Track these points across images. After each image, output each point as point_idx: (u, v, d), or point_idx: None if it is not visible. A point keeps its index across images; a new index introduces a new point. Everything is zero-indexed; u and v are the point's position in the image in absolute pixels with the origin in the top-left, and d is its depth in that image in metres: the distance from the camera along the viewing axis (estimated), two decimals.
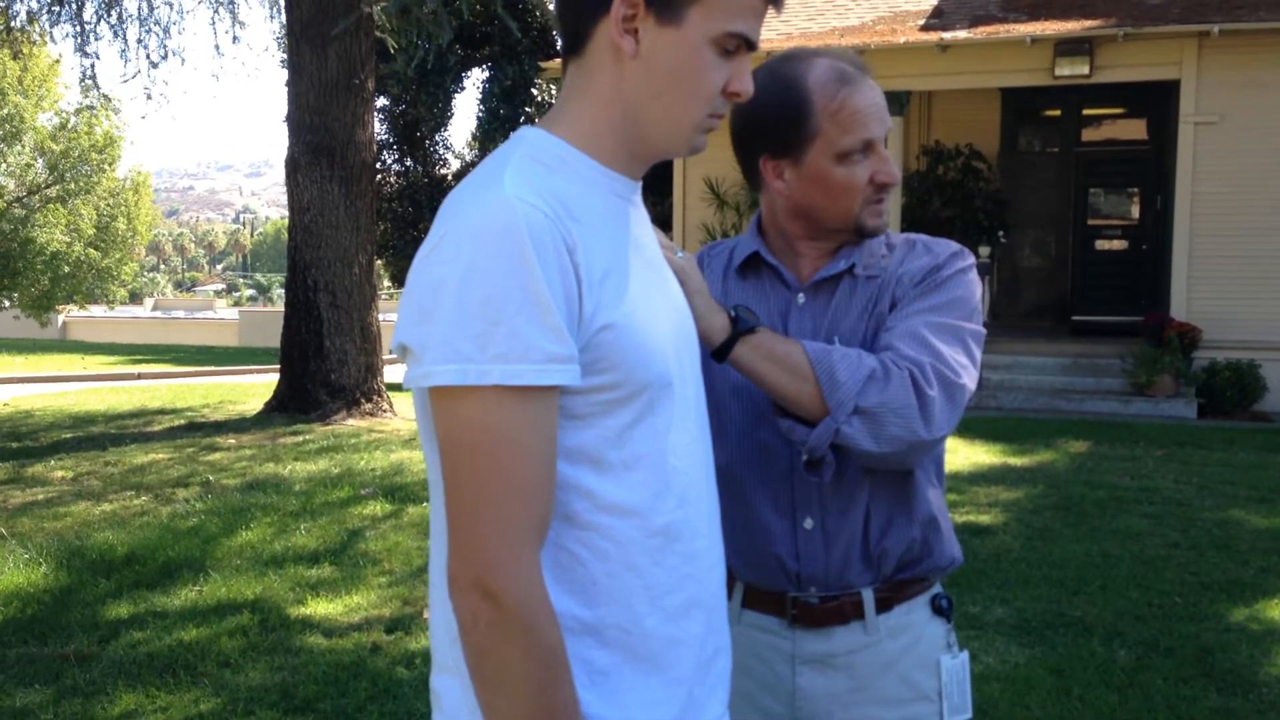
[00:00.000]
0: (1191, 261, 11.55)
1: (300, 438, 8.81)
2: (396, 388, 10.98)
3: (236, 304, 63.47)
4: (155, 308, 50.69)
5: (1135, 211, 13.92)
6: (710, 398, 1.51)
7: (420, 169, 20.83)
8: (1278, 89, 11.27)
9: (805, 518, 1.60)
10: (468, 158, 21.94)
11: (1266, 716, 3.57)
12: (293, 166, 9.99)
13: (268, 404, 10.30)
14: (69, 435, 9.34)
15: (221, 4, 13.32)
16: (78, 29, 12.69)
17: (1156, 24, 11.34)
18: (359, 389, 10.02)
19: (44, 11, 12.59)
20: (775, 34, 12.87)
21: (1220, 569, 5.15)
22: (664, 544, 1.20)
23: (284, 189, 10.47)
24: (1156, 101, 12.83)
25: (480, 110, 20.00)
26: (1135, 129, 13.94)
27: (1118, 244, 13.99)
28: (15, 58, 19.78)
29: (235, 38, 14.80)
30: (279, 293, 62.73)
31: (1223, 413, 10.91)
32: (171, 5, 21.13)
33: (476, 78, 21.05)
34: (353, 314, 9.97)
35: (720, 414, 1.59)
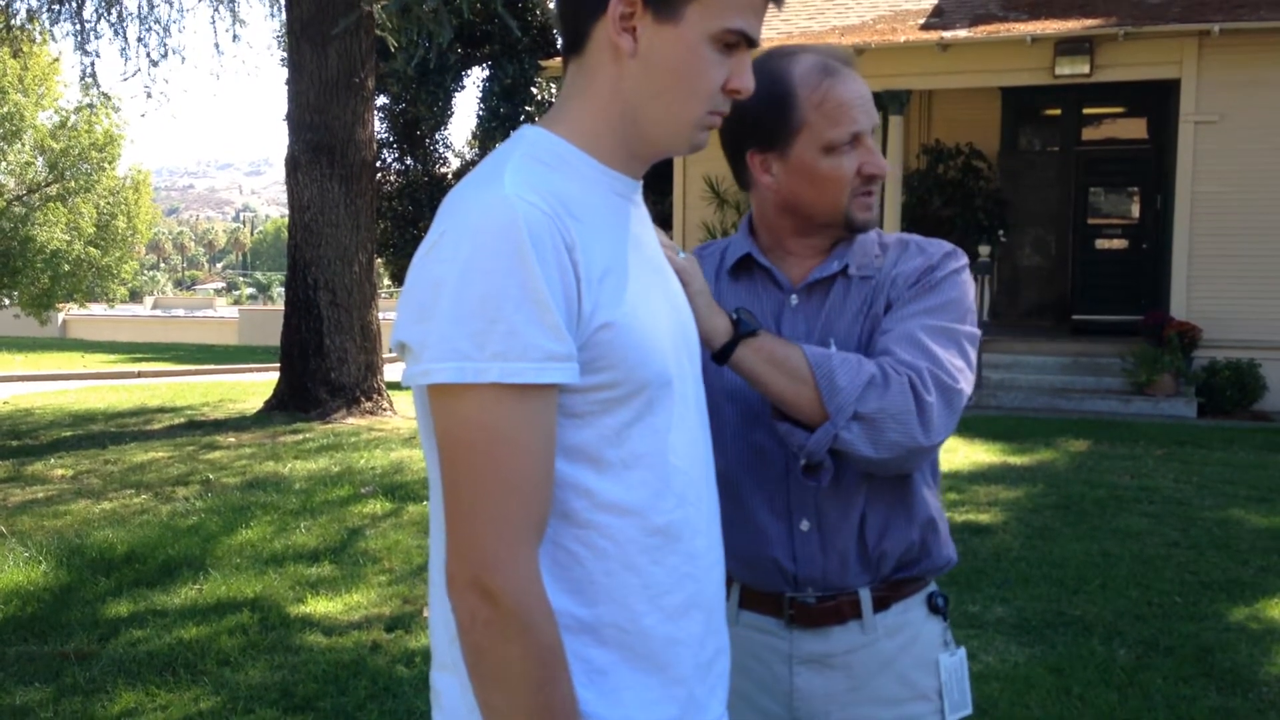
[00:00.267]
0: (1191, 261, 11.55)
1: (300, 436, 8.81)
2: (397, 386, 10.98)
3: (236, 302, 63.48)
4: (155, 306, 50.69)
5: (1135, 211, 13.91)
6: (706, 400, 1.51)
7: (420, 167, 20.83)
8: (1278, 88, 11.27)
9: (801, 520, 1.60)
10: (468, 156, 21.93)
11: (1266, 716, 3.57)
12: (293, 165, 9.99)
13: (268, 402, 10.30)
14: (69, 433, 9.34)
15: (221, 2, 13.32)
16: (78, 27, 12.69)
17: (1157, 23, 11.34)
18: (359, 387, 10.02)
19: (44, 10, 12.59)
20: (775, 32, 12.86)
21: (1220, 568, 5.16)
22: (663, 543, 1.20)
23: (284, 187, 10.47)
24: (1157, 101, 12.83)
25: (480, 109, 20.00)
26: (1135, 128, 13.93)
27: (1118, 243, 13.98)
28: (15, 56, 19.77)
29: (235, 36, 14.81)
30: (279, 291, 62.75)
31: (1222, 412, 10.91)
32: (171, 3, 21.13)
33: (477, 76, 21.08)
34: (353, 312, 9.97)
35: (716, 416, 1.58)
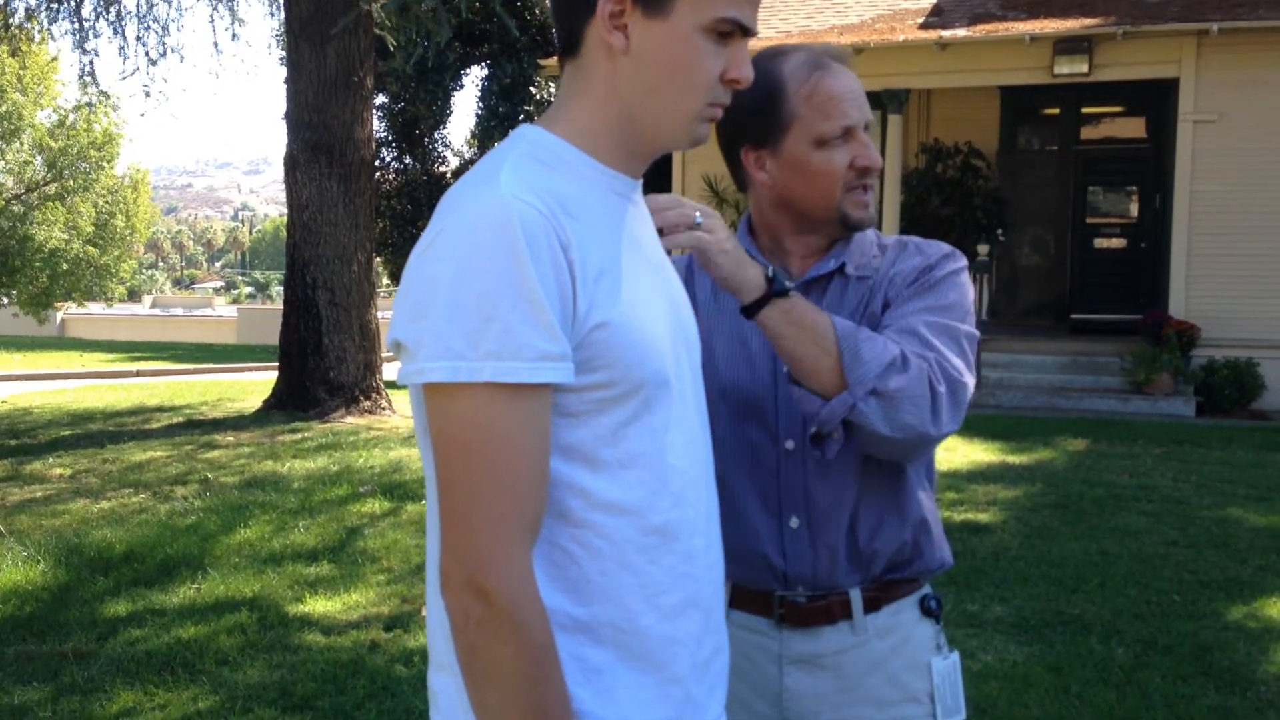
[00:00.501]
0: (1190, 260, 11.56)
1: (299, 435, 8.81)
2: (395, 385, 10.97)
3: (235, 301, 63.43)
4: (154, 305, 50.63)
5: (1134, 210, 13.92)
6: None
7: (419, 166, 20.82)
8: (1277, 88, 11.27)
9: (791, 517, 1.59)
10: (467, 155, 21.93)
11: (1264, 714, 3.57)
12: (291, 164, 9.98)
13: (266, 401, 10.30)
14: (67, 433, 9.34)
15: (220, 1, 13.31)
16: (76, 26, 12.69)
17: (1155, 22, 11.34)
18: (358, 386, 10.02)
19: (43, 8, 12.58)
20: (774, 31, 12.87)
21: (1218, 567, 5.16)
22: (660, 542, 1.20)
23: (283, 186, 10.46)
24: (1155, 100, 12.83)
25: (479, 108, 19.99)
26: (1134, 127, 13.93)
27: (1116, 242, 13.99)
28: (14, 54, 19.75)
29: (234, 35, 14.80)
30: (277, 290, 62.69)
31: (1221, 411, 10.91)
32: (170, 2, 21.09)
33: (475, 75, 21.08)
34: (351, 311, 9.97)
35: (708, 411, 1.59)
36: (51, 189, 23.53)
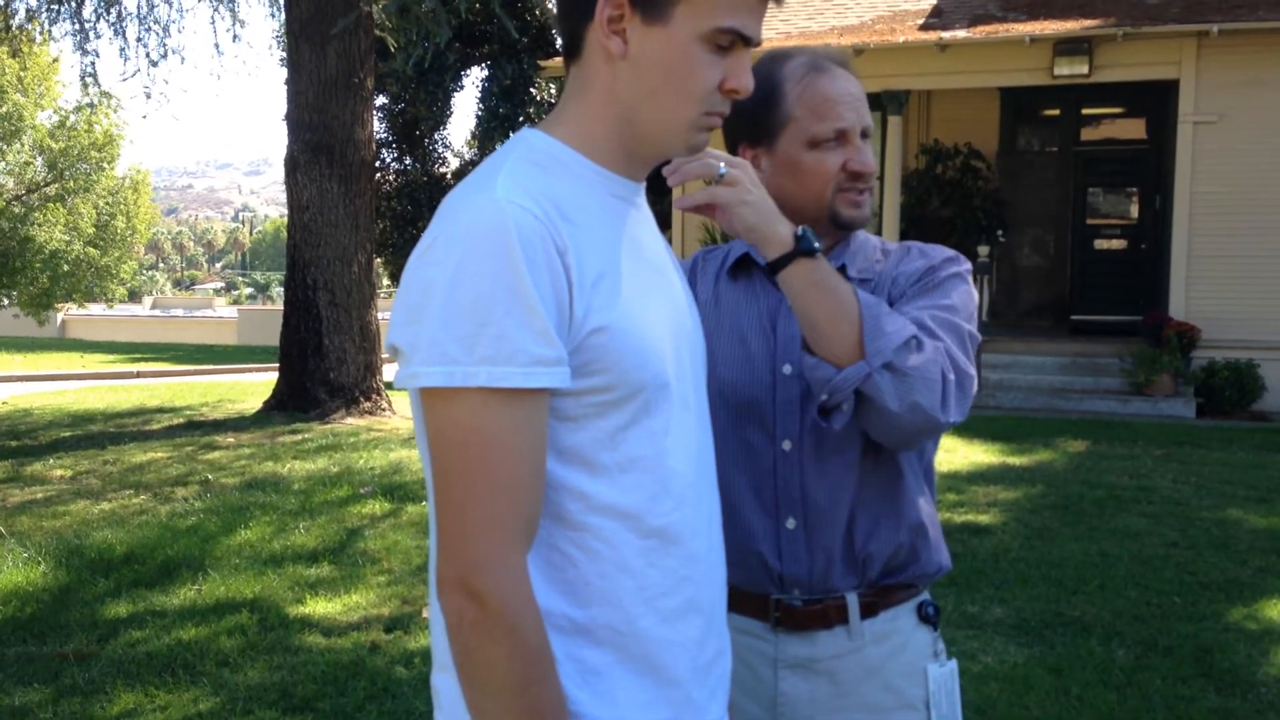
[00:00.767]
0: (1190, 261, 11.55)
1: (299, 436, 8.81)
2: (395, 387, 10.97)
3: (235, 302, 63.44)
4: (154, 306, 50.64)
5: (1134, 211, 13.92)
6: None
7: (419, 167, 20.83)
8: (1277, 88, 11.27)
9: (788, 517, 1.59)
10: (467, 156, 21.93)
11: (1265, 716, 3.57)
12: (292, 165, 9.98)
13: (266, 403, 10.30)
14: (68, 434, 9.34)
15: (221, 2, 13.31)
16: (77, 27, 12.68)
17: (1155, 23, 11.34)
18: (358, 388, 10.02)
19: (44, 10, 12.58)
20: (775, 33, 12.87)
21: (1218, 568, 5.16)
22: (659, 545, 1.20)
23: (283, 187, 10.47)
24: (1155, 101, 12.83)
25: (479, 109, 20.00)
26: (1134, 128, 13.93)
27: (1116, 243, 13.99)
28: (14, 56, 19.76)
29: (235, 36, 14.79)
30: (278, 291, 62.71)
31: (1221, 412, 10.91)
32: (171, 4, 21.09)
33: (476, 76, 21.11)
34: (352, 312, 9.97)
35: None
36: (52, 190, 23.54)
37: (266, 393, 10.75)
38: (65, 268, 23.59)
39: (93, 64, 13.54)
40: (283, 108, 10.67)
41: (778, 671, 1.61)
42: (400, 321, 1.13)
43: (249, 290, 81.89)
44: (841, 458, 1.55)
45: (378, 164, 19.25)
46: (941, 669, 1.64)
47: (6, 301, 25.21)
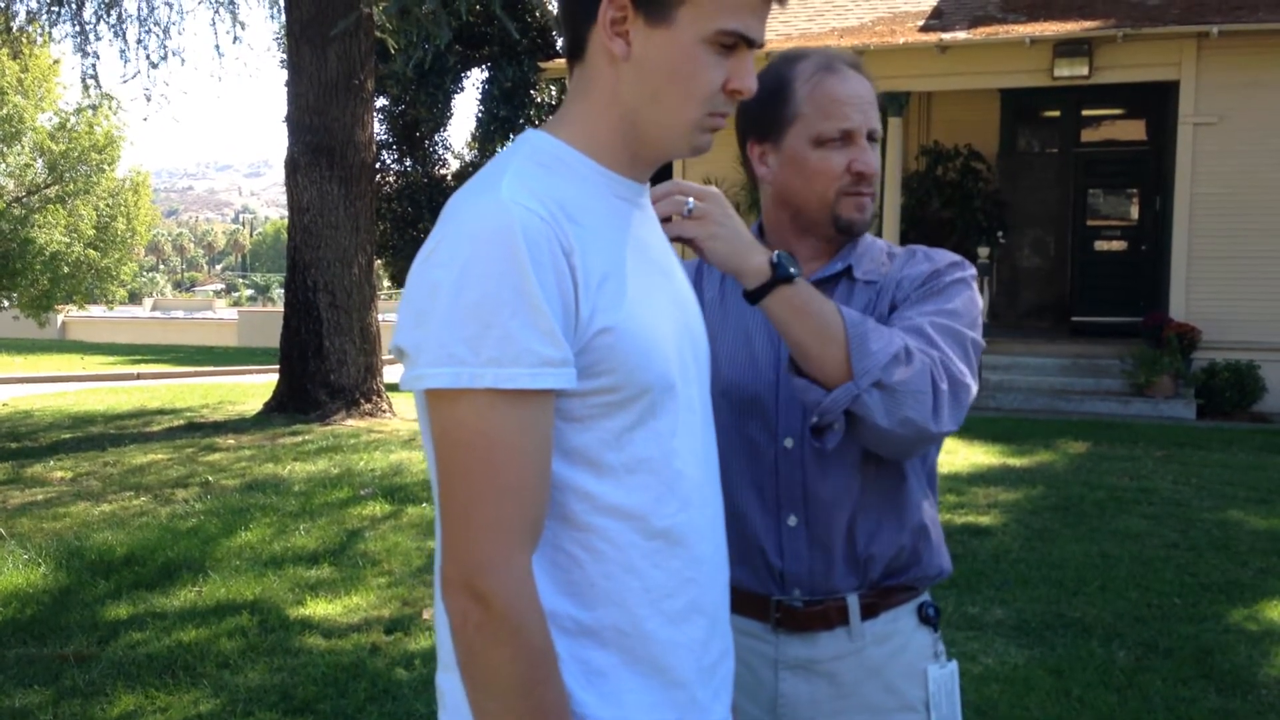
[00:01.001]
0: (1190, 262, 11.55)
1: (299, 438, 8.81)
2: (396, 388, 10.96)
3: (236, 304, 63.44)
4: (154, 308, 50.62)
5: (1134, 212, 13.92)
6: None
7: (419, 169, 20.85)
8: (1277, 90, 11.27)
9: (789, 515, 1.59)
10: (467, 158, 21.95)
11: (1265, 717, 3.57)
12: (292, 167, 9.99)
13: (267, 404, 10.30)
14: (68, 435, 9.34)
15: (221, 4, 13.32)
16: (77, 29, 12.69)
17: (1155, 25, 11.34)
18: (358, 389, 10.02)
19: (44, 11, 12.59)
20: (775, 34, 12.87)
21: (1219, 570, 5.16)
22: (665, 547, 1.20)
23: (283, 189, 10.47)
24: (1156, 102, 12.84)
25: (479, 110, 20.01)
26: (1134, 130, 13.94)
27: (1117, 244, 13.99)
28: (15, 58, 19.77)
29: (236, 38, 14.82)
30: (278, 293, 62.72)
31: (1222, 413, 10.91)
32: (171, 6, 21.13)
33: (476, 78, 21.10)
34: (352, 314, 9.97)
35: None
36: (52, 192, 23.55)
37: (267, 394, 10.75)
38: (65, 269, 23.60)
39: (93, 66, 13.55)
40: (283, 109, 10.67)
41: (778, 673, 1.61)
42: (406, 323, 1.13)
43: (249, 292, 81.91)
44: (844, 457, 1.56)
45: (378, 166, 19.27)
46: (942, 670, 1.64)
47: (7, 303, 25.21)
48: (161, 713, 3.59)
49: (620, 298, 1.15)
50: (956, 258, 1.64)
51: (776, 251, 1.46)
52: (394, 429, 9.30)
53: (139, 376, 17.11)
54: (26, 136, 23.25)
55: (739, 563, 1.60)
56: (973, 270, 1.64)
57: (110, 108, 22.32)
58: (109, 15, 12.85)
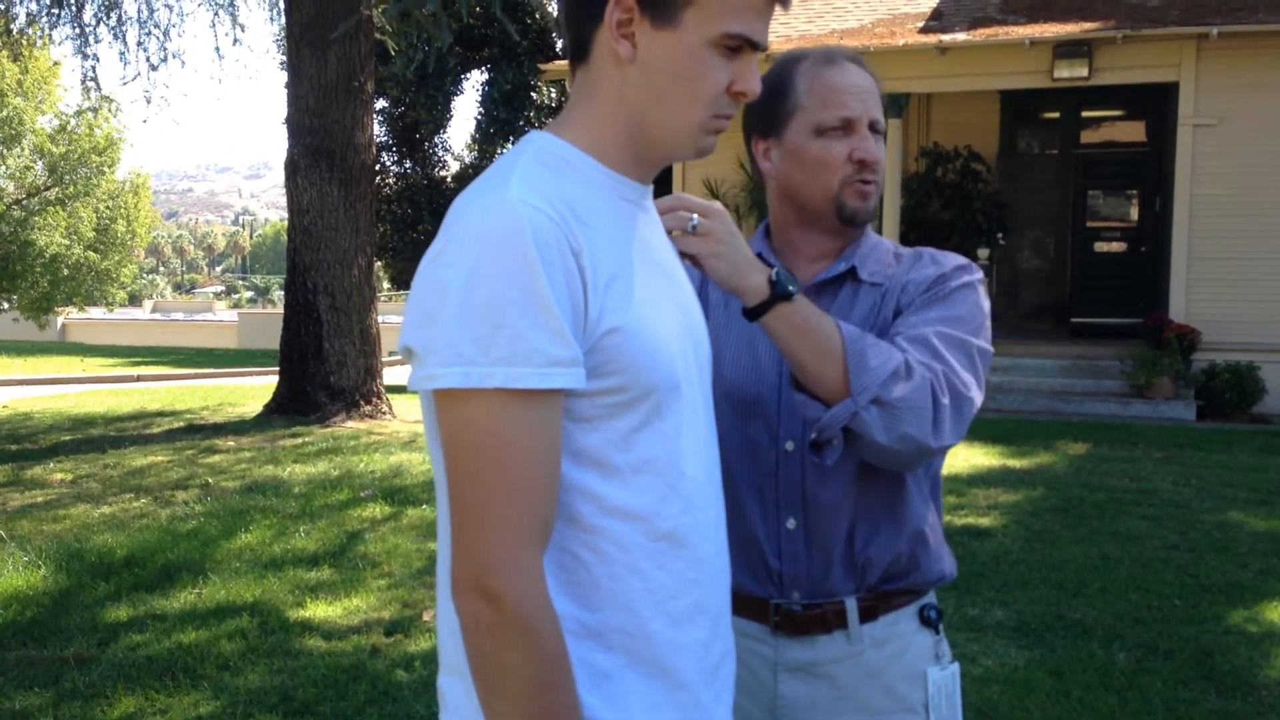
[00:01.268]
0: (1190, 263, 11.55)
1: (299, 440, 8.81)
2: (396, 390, 10.98)
3: (235, 306, 63.46)
4: (154, 310, 50.64)
5: (1134, 213, 13.92)
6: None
7: (419, 171, 20.86)
8: (1277, 91, 11.27)
9: (789, 518, 1.59)
10: (467, 160, 21.96)
11: (1265, 719, 3.57)
12: (292, 169, 9.99)
13: (267, 406, 10.30)
14: (68, 437, 9.34)
15: (221, 6, 13.34)
16: (77, 31, 12.71)
17: (1155, 26, 11.34)
18: (358, 391, 10.02)
19: (44, 14, 12.60)
20: (774, 36, 12.88)
21: (1219, 571, 5.16)
22: (669, 548, 1.20)
23: (283, 191, 10.47)
24: (1155, 103, 12.84)
25: (479, 112, 20.02)
26: (1134, 131, 13.94)
27: (1117, 246, 13.99)
28: (15, 60, 19.78)
29: (235, 40, 14.85)
30: (278, 294, 62.70)
31: (1222, 415, 10.91)
32: (171, 8, 21.14)
33: (476, 80, 21.10)
34: (352, 316, 9.97)
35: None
36: (52, 194, 23.56)
37: (267, 396, 10.75)
38: (65, 271, 23.61)
39: (93, 68, 13.56)
40: (283, 111, 10.67)
41: (777, 675, 1.61)
42: (414, 323, 1.13)
43: (249, 294, 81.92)
44: (844, 463, 1.55)
45: (378, 167, 19.27)
46: (943, 672, 1.63)
47: (7, 305, 25.22)
48: (161, 715, 3.59)
49: (628, 298, 1.15)
50: (964, 261, 1.63)
51: (775, 269, 1.46)
52: (394, 431, 9.30)
53: (139, 379, 17.11)
54: (26, 139, 23.26)
55: (739, 564, 1.60)
56: (980, 274, 1.63)
57: (110, 110, 22.34)
58: (109, 17, 12.86)
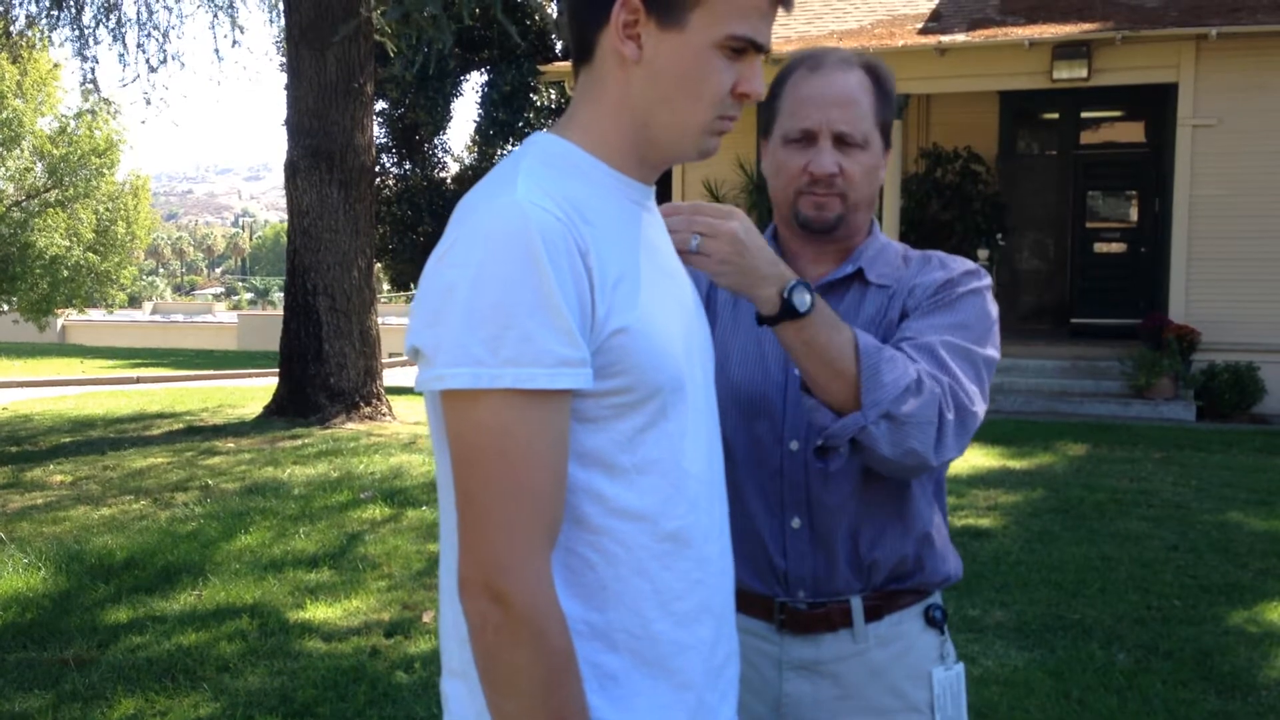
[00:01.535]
0: (1190, 264, 11.56)
1: (299, 441, 8.81)
2: (395, 391, 10.98)
3: (235, 307, 63.44)
4: (154, 311, 50.62)
5: (1134, 214, 13.93)
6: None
7: (419, 172, 20.86)
8: (1276, 92, 11.28)
9: (793, 517, 1.60)
10: (467, 161, 21.96)
11: (1265, 719, 3.57)
12: (292, 170, 9.99)
13: (267, 408, 10.29)
14: (68, 439, 9.33)
15: (220, 8, 13.34)
16: (77, 33, 12.71)
17: (1154, 27, 11.35)
18: (358, 392, 10.01)
19: (43, 15, 12.60)
20: (775, 37, 12.88)
21: (1219, 572, 5.16)
22: (674, 549, 1.20)
23: (283, 192, 10.47)
24: (1155, 104, 12.84)
25: (479, 114, 20.02)
26: (1133, 132, 13.95)
27: (1116, 246, 14.00)
28: (14, 62, 19.79)
29: (235, 42, 14.85)
30: (278, 296, 62.71)
31: (1221, 415, 10.91)
32: (170, 10, 21.14)
33: (475, 81, 21.09)
34: (352, 317, 9.97)
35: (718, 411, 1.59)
36: (52, 196, 23.57)
37: (266, 398, 10.74)
38: (65, 273, 23.62)
39: (92, 70, 13.56)
40: (283, 113, 10.67)
41: (783, 673, 1.62)
42: (421, 324, 1.12)
43: (249, 295, 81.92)
44: (848, 464, 1.56)
45: (377, 169, 19.27)
46: (947, 672, 1.64)
47: (6, 307, 25.22)
48: (161, 716, 3.59)
49: (634, 299, 1.15)
50: (972, 266, 1.63)
51: (790, 285, 1.40)
52: (394, 432, 9.30)
53: (138, 380, 17.10)
54: (26, 140, 23.27)
55: (744, 563, 1.60)
56: (988, 280, 1.62)
57: (109, 112, 22.34)
58: (108, 19, 12.86)
